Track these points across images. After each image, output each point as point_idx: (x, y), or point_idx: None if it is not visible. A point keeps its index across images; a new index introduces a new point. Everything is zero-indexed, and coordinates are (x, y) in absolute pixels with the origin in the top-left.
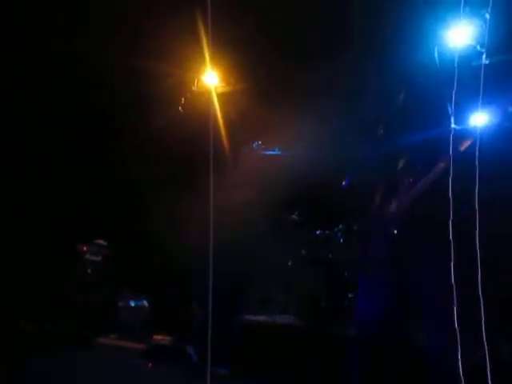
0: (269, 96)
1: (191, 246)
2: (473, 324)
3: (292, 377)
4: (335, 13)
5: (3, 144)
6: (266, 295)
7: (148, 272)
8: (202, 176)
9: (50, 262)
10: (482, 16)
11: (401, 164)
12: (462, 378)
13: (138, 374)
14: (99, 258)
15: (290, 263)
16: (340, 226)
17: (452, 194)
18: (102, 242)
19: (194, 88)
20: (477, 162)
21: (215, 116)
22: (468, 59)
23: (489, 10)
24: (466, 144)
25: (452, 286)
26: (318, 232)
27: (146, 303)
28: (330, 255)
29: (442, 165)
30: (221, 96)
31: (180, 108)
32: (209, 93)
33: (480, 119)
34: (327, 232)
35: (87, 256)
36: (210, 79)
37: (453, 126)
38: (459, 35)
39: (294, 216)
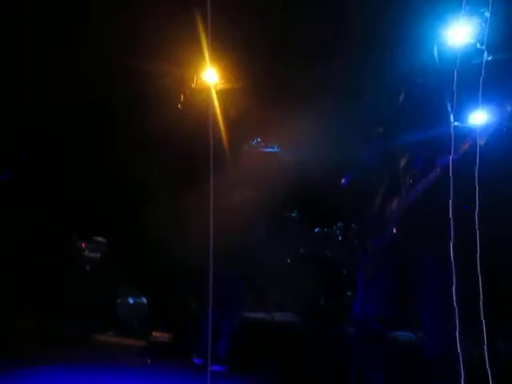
0: (268, 93)
1: (190, 242)
2: (472, 322)
3: (290, 374)
4: (335, 12)
5: (2, 140)
6: (264, 293)
7: (147, 269)
8: (201, 173)
9: (48, 259)
10: (482, 15)
11: (402, 163)
12: (462, 376)
13: (137, 371)
14: (98, 255)
15: (288, 261)
16: (339, 224)
17: (452, 194)
18: (100, 239)
19: (193, 85)
20: (477, 162)
21: (214, 113)
22: (468, 57)
23: (489, 8)
24: (467, 145)
25: (451, 283)
26: (316, 230)
27: (144, 300)
28: (328, 253)
29: (438, 170)
30: (220, 93)
31: (179, 105)
32: (208, 90)
33: (480, 118)
34: (326, 230)
35: (86, 253)
36: (210, 77)
37: (455, 123)
38: (459, 34)
39: (293, 214)
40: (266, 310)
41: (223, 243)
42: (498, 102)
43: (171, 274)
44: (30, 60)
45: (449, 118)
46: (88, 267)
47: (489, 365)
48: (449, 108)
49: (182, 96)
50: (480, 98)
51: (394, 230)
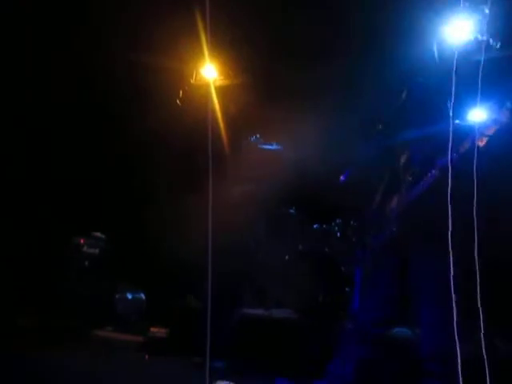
0: (268, 90)
1: (189, 238)
2: (471, 321)
3: (288, 370)
4: (335, 12)
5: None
6: (263, 289)
7: (145, 265)
8: (200, 169)
9: (47, 255)
10: (482, 11)
11: (402, 160)
12: (459, 375)
13: (135, 367)
14: (96, 251)
15: (287, 257)
16: (337, 221)
17: (452, 192)
18: (99, 234)
19: (192, 81)
20: (474, 161)
21: (213, 109)
22: (467, 54)
23: (488, 5)
24: (467, 143)
25: (450, 282)
26: (315, 226)
27: (143, 296)
28: (327, 249)
29: (438, 170)
30: (219, 89)
31: (178, 101)
32: (207, 86)
33: (479, 115)
34: (324, 226)
35: (84, 248)
36: (209, 72)
37: (456, 121)
38: (458, 30)
39: (291, 210)
40: (265, 307)
41: (222, 240)
42: (497, 100)
43: (169, 270)
44: (30, 60)
45: (449, 116)
46: (86, 263)
47: (487, 364)
48: (448, 106)
49: (181, 92)
50: (479, 96)
51: (394, 228)
